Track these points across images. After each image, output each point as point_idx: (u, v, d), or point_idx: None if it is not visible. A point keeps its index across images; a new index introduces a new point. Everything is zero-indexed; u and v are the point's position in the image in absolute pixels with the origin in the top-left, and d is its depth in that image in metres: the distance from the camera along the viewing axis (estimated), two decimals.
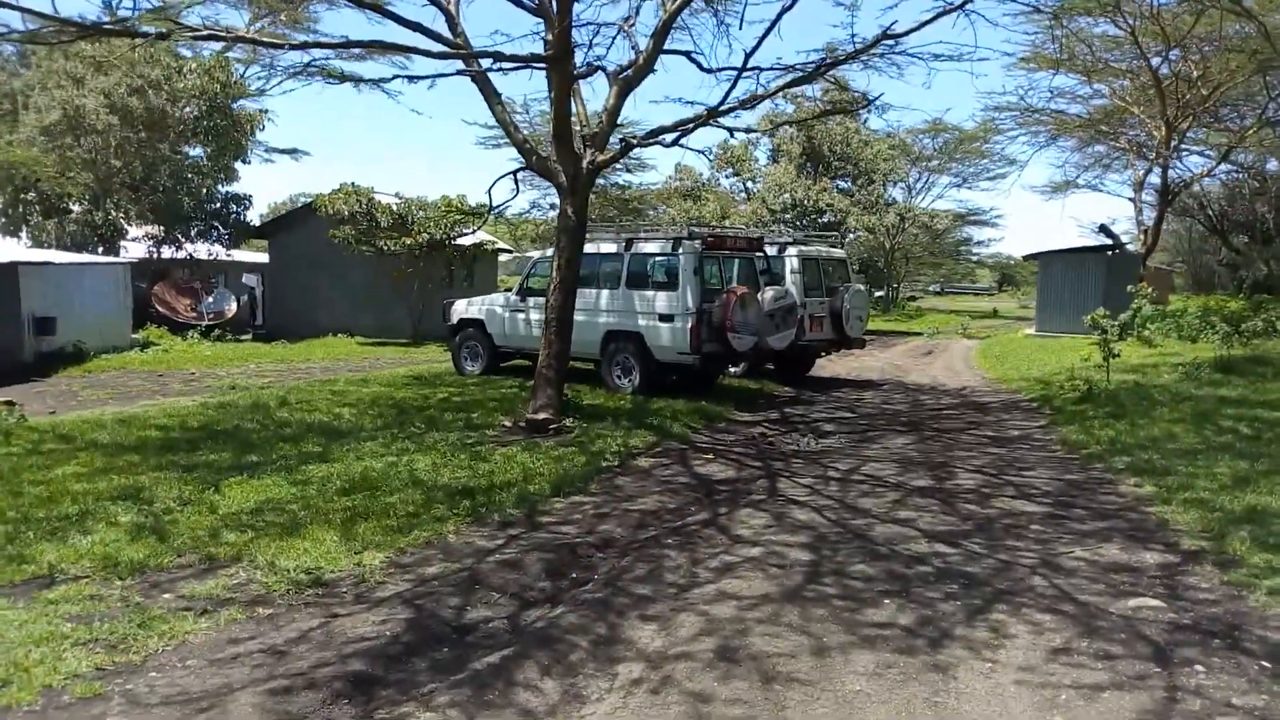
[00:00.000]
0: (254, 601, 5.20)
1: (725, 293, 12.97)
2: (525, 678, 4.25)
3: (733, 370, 15.78)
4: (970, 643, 4.68)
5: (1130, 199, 35.82)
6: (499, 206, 13.46)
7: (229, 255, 28.58)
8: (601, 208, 42.69)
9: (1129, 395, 13.22)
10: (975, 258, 78.97)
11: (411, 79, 10.21)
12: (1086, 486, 8.23)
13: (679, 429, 11.06)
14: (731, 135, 11.64)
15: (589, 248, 14.08)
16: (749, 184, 43.38)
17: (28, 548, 5.96)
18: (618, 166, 44.46)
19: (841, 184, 42.17)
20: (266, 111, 27.05)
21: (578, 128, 11.20)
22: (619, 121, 11.31)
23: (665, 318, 13.13)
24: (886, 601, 5.26)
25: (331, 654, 4.48)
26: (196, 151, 27.26)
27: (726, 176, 44.07)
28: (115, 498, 7.28)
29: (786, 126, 32.78)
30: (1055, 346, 22.97)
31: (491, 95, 11.17)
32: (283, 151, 43.64)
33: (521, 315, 14.83)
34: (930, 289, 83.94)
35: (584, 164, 11.05)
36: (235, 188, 28.69)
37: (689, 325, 12.81)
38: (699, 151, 14.65)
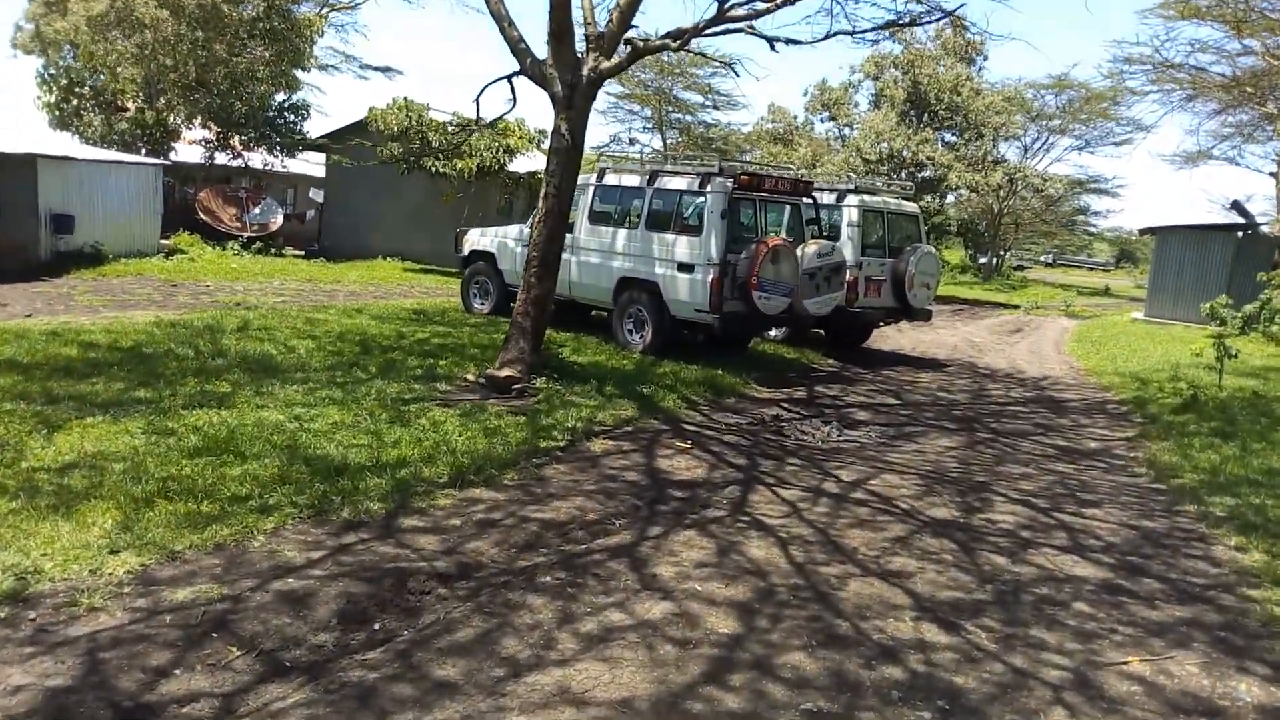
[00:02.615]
0: None
1: (755, 243, 10.91)
2: None
3: (771, 334, 13.75)
4: None
5: (1272, 174, 31.85)
6: (495, 119, 11.60)
7: (284, 166, 27.45)
8: (686, 147, 40.42)
9: (1244, 408, 10.77)
10: (1093, 229, 73.66)
11: None
12: (1168, 541, 6.09)
13: (671, 403, 9.19)
14: (772, 47, 9.49)
15: (610, 179, 12.27)
16: (846, 130, 40.35)
17: None
18: (705, 103, 42.05)
19: (948, 137, 38.83)
20: (325, 16, 25.51)
21: (582, 27, 9.25)
22: (634, 23, 9.29)
23: (684, 267, 11.17)
24: None
25: None
26: (256, 55, 25.99)
27: (822, 120, 41.10)
28: None
29: (845, 40, 29.73)
30: (1164, 336, 20.12)
31: None
32: (376, 69, 42.54)
33: None
34: (1041, 259, 78.92)
35: (584, 71, 9.10)
36: (308, 96, 27.58)
37: (709, 278, 10.83)
38: (727, 65, 12.28)
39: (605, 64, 9.14)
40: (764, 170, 12.08)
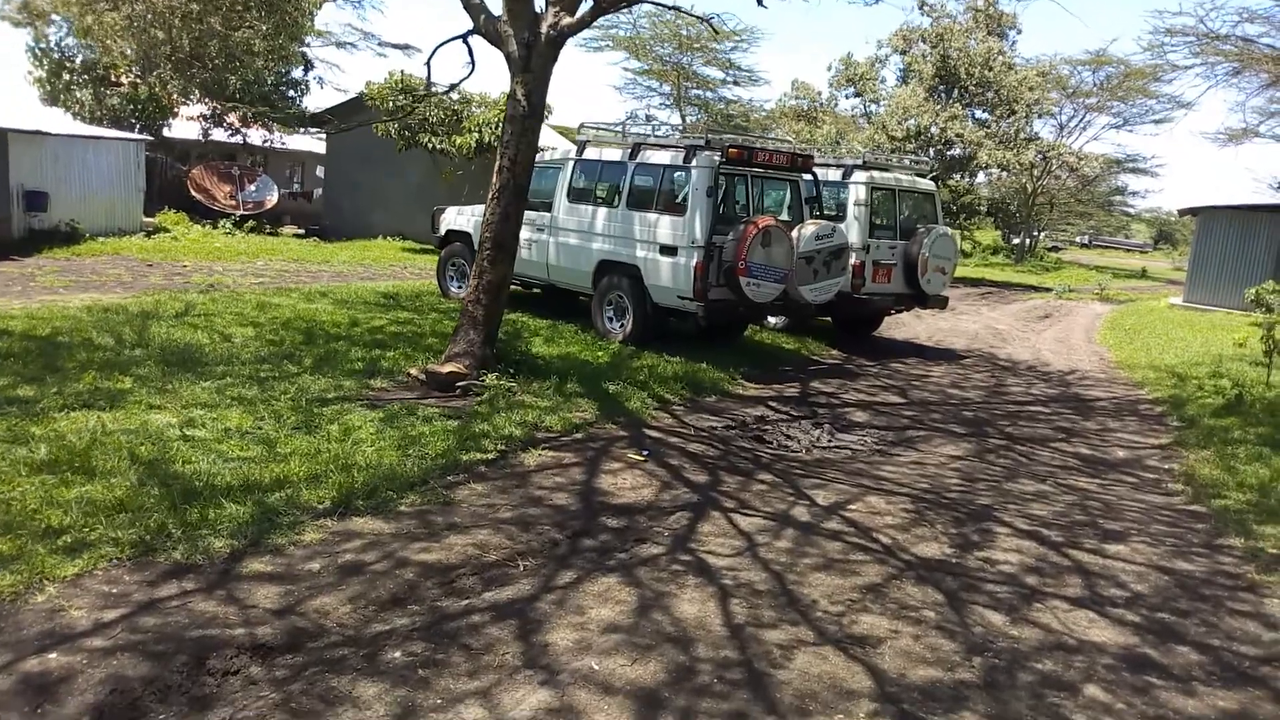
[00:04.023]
0: None
1: (744, 224, 9.79)
2: None
3: (771, 323, 12.64)
4: None
5: None
6: (451, 86, 10.52)
7: (283, 143, 26.60)
8: (706, 128, 39.07)
9: None
10: (1130, 210, 71.19)
11: None
12: (1209, 591, 4.96)
13: (638, 403, 8.12)
14: (760, 0, 8.35)
15: (590, 153, 11.18)
16: (872, 106, 38.83)
17: None
18: (726, 77, 40.64)
19: (978, 114, 37.19)
20: None
21: None
22: None
23: (667, 250, 10.07)
24: None
25: None
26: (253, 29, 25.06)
27: (847, 96, 39.60)
28: None
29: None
30: (1203, 324, 18.75)
31: None
32: (395, 46, 41.63)
33: None
34: (1077, 240, 76.69)
35: (543, 28, 8.01)
36: (325, 73, 26.78)
37: (693, 262, 9.73)
38: (704, 20, 10.85)
39: (566, 19, 8.03)
40: (757, 143, 10.92)
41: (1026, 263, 45.21)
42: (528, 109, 8.07)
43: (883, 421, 8.72)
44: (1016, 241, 50.75)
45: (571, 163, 11.30)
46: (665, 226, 10.10)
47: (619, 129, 11.02)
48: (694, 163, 9.90)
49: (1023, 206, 46.86)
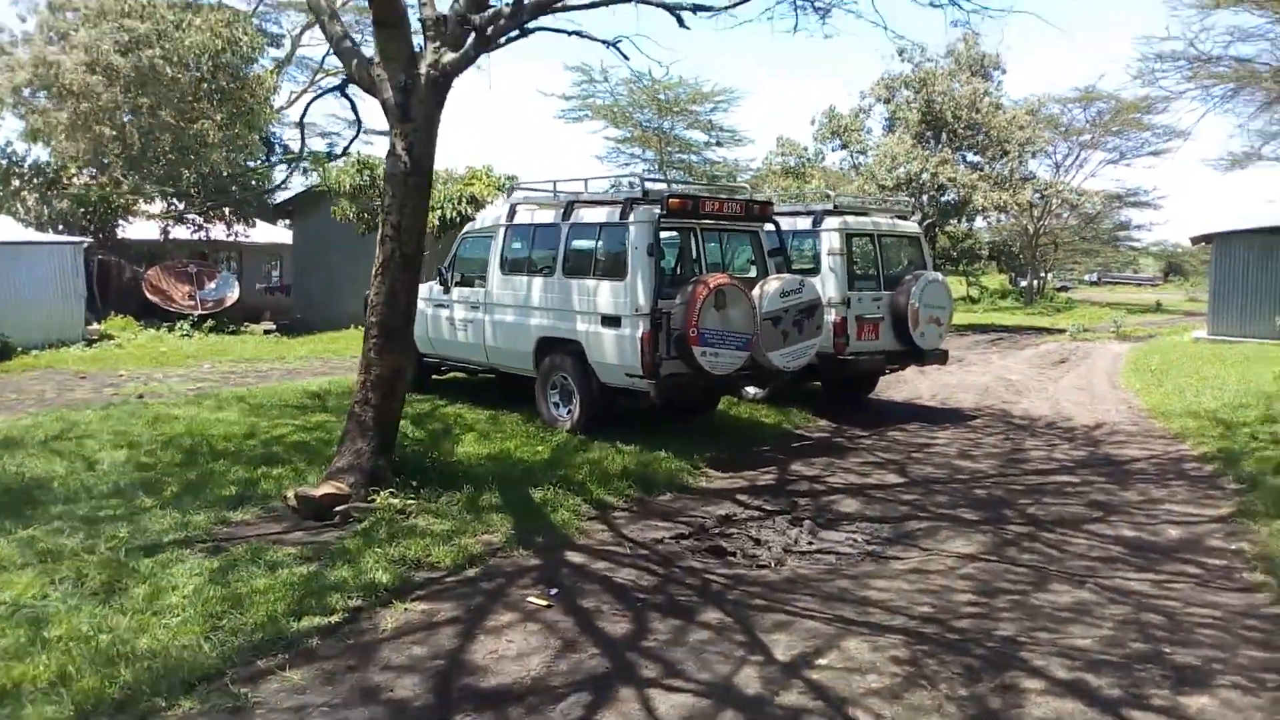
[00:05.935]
0: None
1: (692, 285, 8.32)
2: None
3: (750, 394, 11.10)
4: None
5: None
6: (338, 152, 9.25)
7: (246, 236, 25.52)
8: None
9: None
10: (1137, 244, 69.67)
11: None
12: None
13: (566, 514, 6.54)
14: (680, 22, 7.10)
15: (522, 217, 9.81)
16: (860, 157, 37.75)
17: None
18: (709, 139, 39.79)
19: (970, 157, 36.06)
20: (277, 72, 23.65)
21: (416, 8, 6.86)
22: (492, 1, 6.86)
23: (609, 321, 8.60)
24: None
25: None
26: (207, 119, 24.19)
27: (834, 149, 38.55)
28: None
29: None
30: (1235, 357, 17.08)
31: None
32: (380, 133, 41.04)
33: (445, 312, 10.58)
34: (1085, 279, 75.30)
35: (422, 69, 6.68)
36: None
37: (639, 333, 8.25)
38: (611, 45, 9.51)
39: (449, 56, 6.70)
40: (702, 191, 9.54)
41: (1036, 304, 43.73)
42: (409, 165, 6.68)
43: (877, 510, 7.12)
44: (1024, 284, 49.35)
45: (502, 229, 9.94)
46: (605, 294, 8.65)
47: (551, 188, 9.65)
48: (631, 218, 8.48)
49: (1026, 248, 45.59)
